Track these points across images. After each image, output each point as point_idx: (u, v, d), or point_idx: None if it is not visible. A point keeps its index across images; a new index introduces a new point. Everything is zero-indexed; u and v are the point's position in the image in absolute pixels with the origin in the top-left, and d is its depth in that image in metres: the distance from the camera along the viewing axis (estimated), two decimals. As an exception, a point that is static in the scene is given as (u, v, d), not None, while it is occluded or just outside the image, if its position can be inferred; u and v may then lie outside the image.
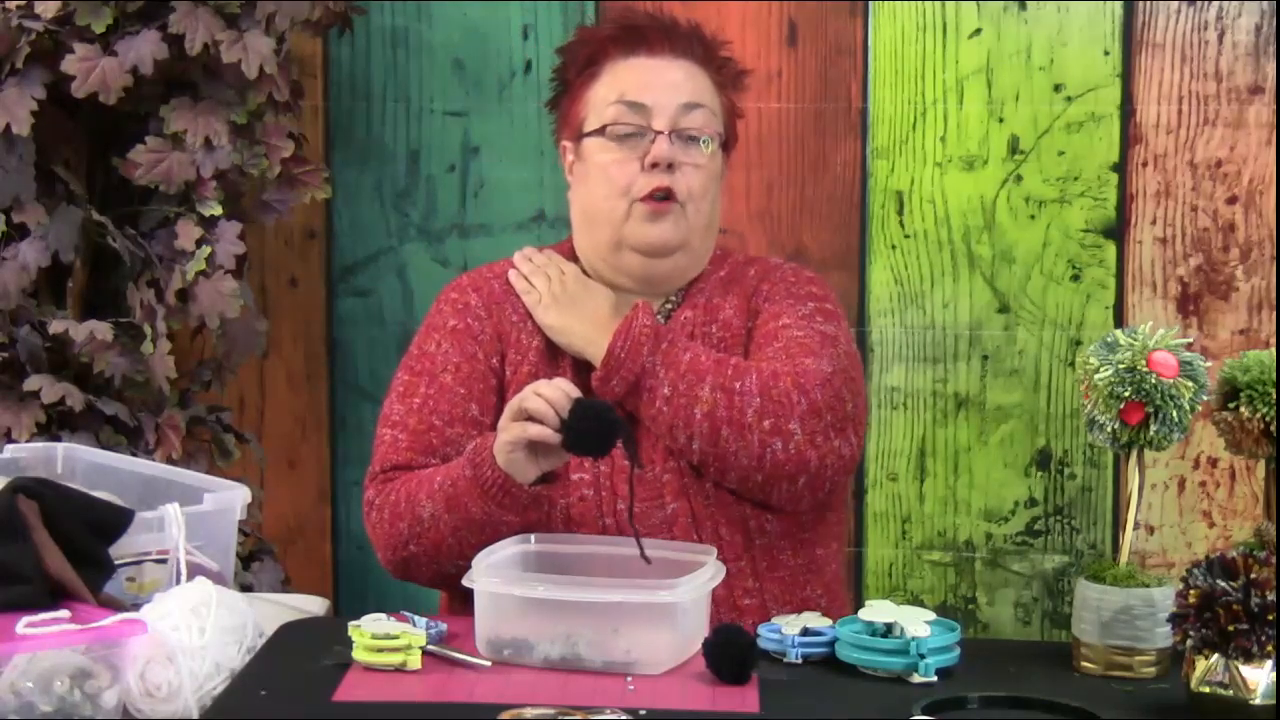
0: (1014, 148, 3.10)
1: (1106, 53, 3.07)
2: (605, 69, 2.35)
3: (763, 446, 2.18)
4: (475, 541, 2.12)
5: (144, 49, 2.74)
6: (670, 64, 2.35)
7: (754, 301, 2.37)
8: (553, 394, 2.06)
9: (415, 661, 1.91)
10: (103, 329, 2.79)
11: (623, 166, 2.31)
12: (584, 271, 2.38)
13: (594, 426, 2.04)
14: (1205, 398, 1.96)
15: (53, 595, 1.95)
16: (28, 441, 2.68)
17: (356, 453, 3.17)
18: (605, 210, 2.32)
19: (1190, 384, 1.93)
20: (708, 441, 2.19)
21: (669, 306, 2.37)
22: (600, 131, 2.32)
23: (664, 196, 2.29)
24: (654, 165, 2.29)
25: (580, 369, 2.29)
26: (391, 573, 2.26)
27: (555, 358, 2.32)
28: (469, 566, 2.01)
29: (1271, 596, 1.75)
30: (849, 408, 2.23)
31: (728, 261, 2.42)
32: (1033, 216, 3.10)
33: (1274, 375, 1.90)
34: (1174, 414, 1.93)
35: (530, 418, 2.06)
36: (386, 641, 1.91)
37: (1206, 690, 1.79)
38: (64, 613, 1.88)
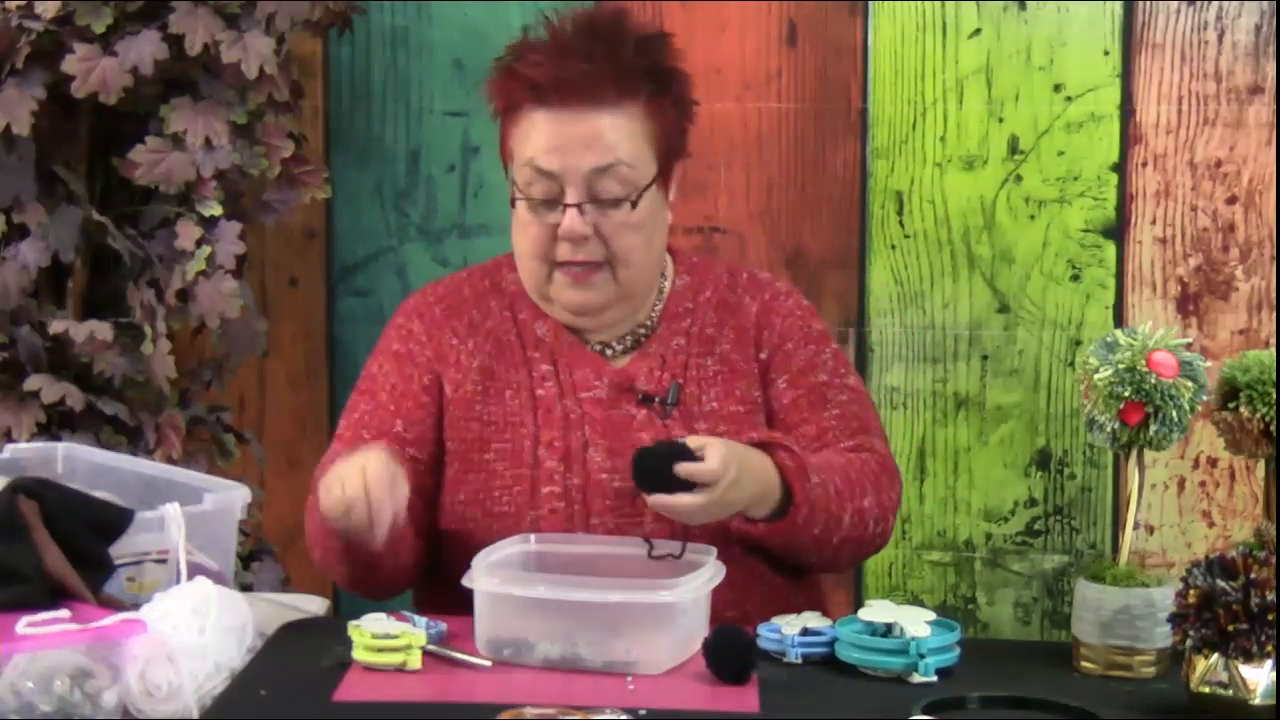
0: (1014, 148, 3.09)
1: (1106, 53, 3.07)
2: (523, 115, 2.24)
3: (873, 548, 2.31)
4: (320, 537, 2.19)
5: (144, 49, 2.74)
6: (585, 116, 2.20)
7: (764, 338, 2.32)
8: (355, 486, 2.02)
9: (415, 661, 1.91)
10: (103, 329, 2.79)
11: (538, 233, 2.23)
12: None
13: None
14: (1205, 398, 1.96)
15: (53, 595, 1.95)
16: (28, 441, 2.68)
17: (356, 453, 3.17)
18: (529, 268, 2.28)
19: (1190, 384, 1.93)
20: (831, 553, 2.25)
21: (642, 331, 2.31)
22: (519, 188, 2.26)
23: (583, 266, 2.23)
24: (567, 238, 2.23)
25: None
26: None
27: (495, 377, 2.30)
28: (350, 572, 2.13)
29: (1271, 596, 1.75)
30: None
31: (710, 277, 2.36)
32: (1033, 216, 3.10)
33: (1274, 375, 1.90)
34: (1174, 414, 1.93)
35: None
36: (386, 641, 1.91)
37: (1206, 690, 1.79)
38: (64, 613, 1.88)
